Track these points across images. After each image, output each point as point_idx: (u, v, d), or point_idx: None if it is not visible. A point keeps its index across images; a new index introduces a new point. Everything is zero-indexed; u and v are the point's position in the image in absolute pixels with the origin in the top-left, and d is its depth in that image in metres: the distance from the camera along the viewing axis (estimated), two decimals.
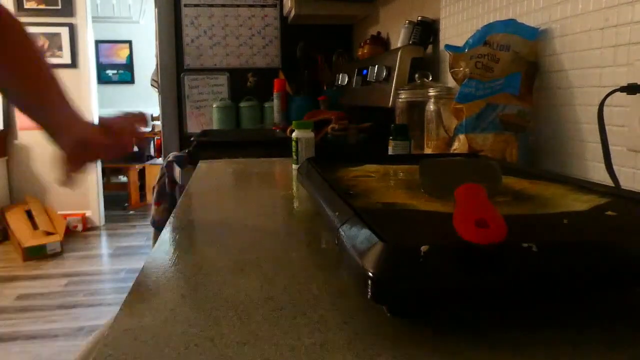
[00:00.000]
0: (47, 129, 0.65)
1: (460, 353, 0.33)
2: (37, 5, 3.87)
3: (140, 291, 0.45)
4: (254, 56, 2.69)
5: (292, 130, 1.30)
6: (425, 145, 1.17)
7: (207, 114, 2.65)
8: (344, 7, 2.34)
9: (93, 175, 4.11)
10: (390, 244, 0.35)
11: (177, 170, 1.83)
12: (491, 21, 1.13)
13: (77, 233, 4.02)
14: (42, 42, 3.91)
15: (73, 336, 2.34)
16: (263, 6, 2.66)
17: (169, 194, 2.02)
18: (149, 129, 5.02)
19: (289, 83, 2.51)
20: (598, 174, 0.84)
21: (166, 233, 0.66)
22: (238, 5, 2.64)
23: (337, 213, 0.48)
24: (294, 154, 1.17)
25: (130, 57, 6.36)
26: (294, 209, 0.85)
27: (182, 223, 0.73)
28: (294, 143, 1.17)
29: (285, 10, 2.51)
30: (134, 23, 6.23)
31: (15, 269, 3.26)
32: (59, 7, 3.89)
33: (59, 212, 3.98)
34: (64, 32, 3.93)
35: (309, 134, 1.19)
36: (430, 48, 1.61)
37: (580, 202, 0.53)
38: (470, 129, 0.97)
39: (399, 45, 1.68)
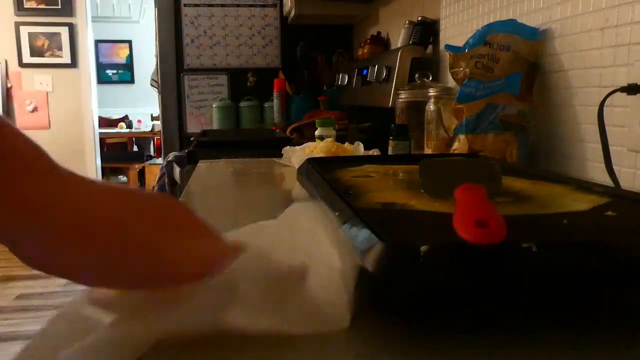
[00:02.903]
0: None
1: (460, 353, 0.33)
2: (37, 5, 3.87)
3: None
4: (254, 56, 2.69)
5: (293, 130, 1.31)
6: (425, 145, 1.17)
7: (207, 114, 2.65)
8: (344, 7, 2.34)
9: (92, 175, 4.12)
10: (390, 244, 0.35)
11: (177, 170, 1.83)
12: (491, 21, 1.13)
13: None
14: (42, 42, 3.91)
15: None
16: (263, 6, 2.66)
17: (169, 194, 2.02)
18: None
19: (289, 83, 2.51)
20: (598, 174, 0.84)
21: None
22: (238, 5, 2.64)
23: (337, 213, 0.48)
24: None
25: (130, 57, 6.36)
26: None
27: None
28: (317, 140, 1.18)
29: (285, 10, 2.51)
30: (134, 23, 6.24)
31: (14, 268, 3.26)
32: (59, 7, 3.89)
33: None
34: (64, 31, 3.93)
35: (331, 131, 1.20)
36: (430, 48, 1.61)
37: (580, 202, 0.53)
38: (470, 129, 0.97)
39: (399, 45, 1.68)
